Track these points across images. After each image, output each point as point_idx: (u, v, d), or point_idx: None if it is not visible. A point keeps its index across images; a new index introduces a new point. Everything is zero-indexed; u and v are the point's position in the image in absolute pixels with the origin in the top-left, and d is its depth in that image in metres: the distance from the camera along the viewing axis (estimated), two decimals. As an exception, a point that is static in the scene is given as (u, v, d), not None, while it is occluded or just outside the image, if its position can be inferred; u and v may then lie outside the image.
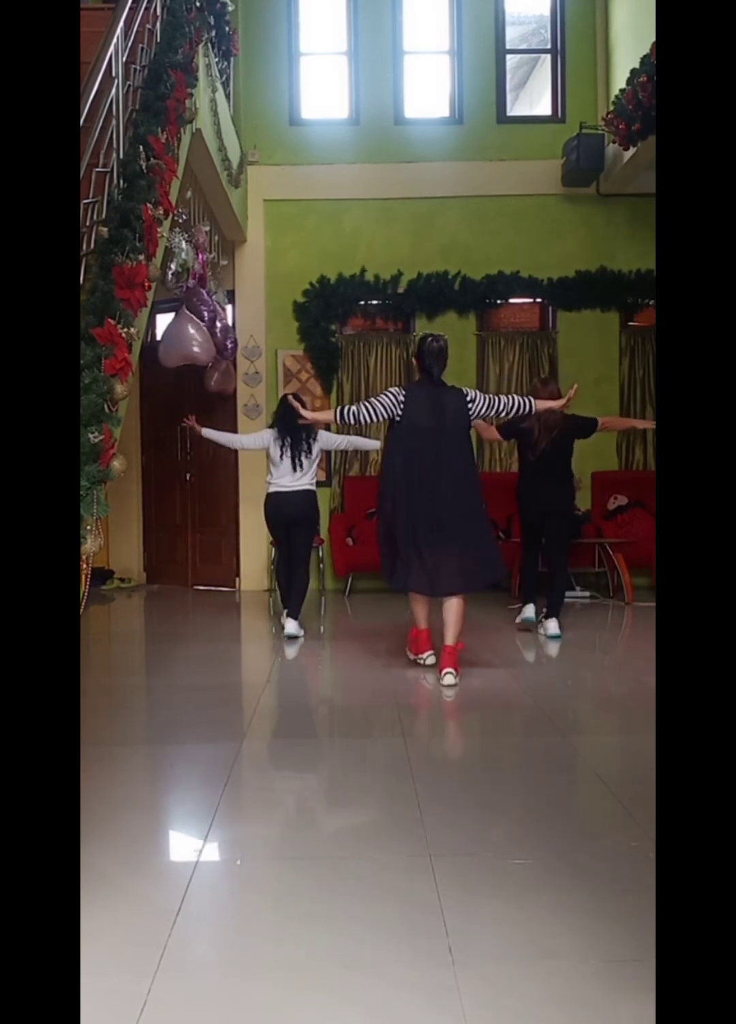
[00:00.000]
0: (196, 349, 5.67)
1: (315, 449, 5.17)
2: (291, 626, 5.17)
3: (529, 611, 5.28)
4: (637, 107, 5.86)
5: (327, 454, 6.98)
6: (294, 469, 5.09)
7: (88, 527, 2.51)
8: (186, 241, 5.28)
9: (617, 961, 1.76)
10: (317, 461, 5.25)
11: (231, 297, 7.16)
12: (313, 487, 5.21)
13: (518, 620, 5.33)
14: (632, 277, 7.29)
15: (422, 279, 7.30)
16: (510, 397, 4.28)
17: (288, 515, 5.16)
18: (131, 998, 1.64)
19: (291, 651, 5.04)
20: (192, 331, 5.65)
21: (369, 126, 7.37)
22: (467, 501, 4.10)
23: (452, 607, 4.08)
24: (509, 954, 1.79)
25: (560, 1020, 1.58)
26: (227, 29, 5.85)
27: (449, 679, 3.99)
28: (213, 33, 5.53)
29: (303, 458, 5.10)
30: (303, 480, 5.14)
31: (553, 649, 5.01)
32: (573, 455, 5.23)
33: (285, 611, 5.28)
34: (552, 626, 5.07)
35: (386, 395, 4.18)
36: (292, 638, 5.16)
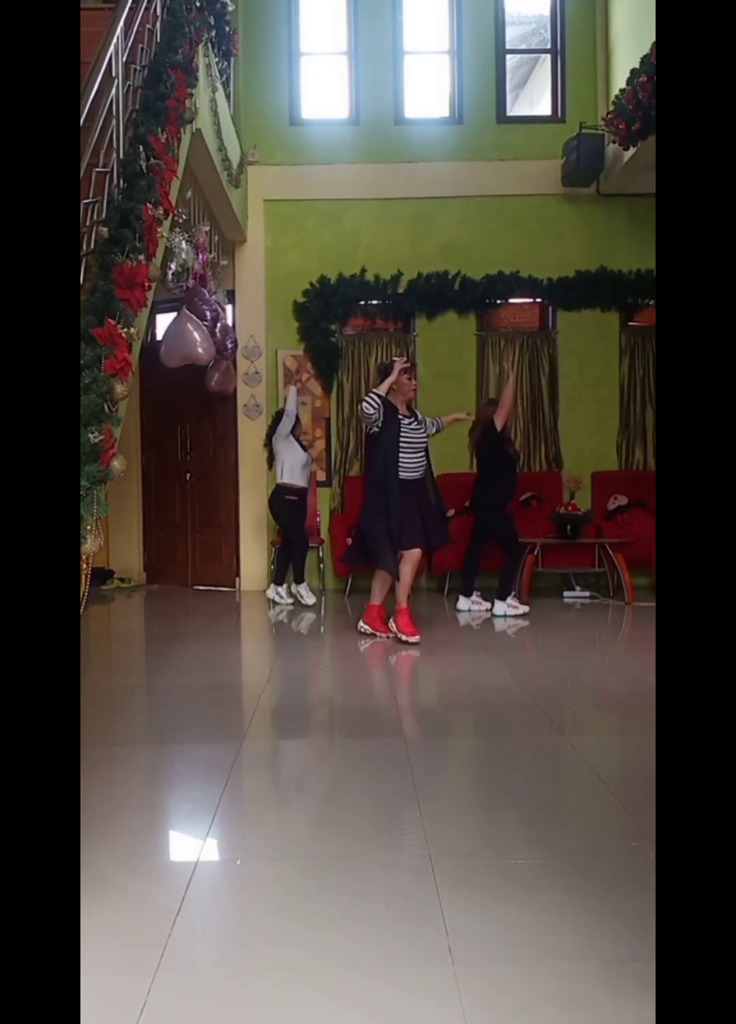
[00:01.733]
0: (199, 350, 5.68)
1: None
2: (303, 589, 6.50)
3: (463, 603, 6.09)
4: (637, 107, 5.85)
5: (328, 455, 7.14)
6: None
7: (88, 527, 2.51)
8: (186, 241, 5.28)
9: (617, 961, 1.76)
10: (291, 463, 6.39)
11: (231, 297, 7.16)
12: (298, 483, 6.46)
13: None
14: (632, 277, 7.29)
15: (422, 279, 7.30)
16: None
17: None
18: (131, 998, 1.64)
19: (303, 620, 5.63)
20: (193, 331, 5.65)
21: (369, 126, 7.37)
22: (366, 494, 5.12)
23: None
24: (509, 954, 1.79)
25: (560, 1020, 1.58)
26: (227, 29, 5.84)
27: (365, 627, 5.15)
28: (213, 33, 5.52)
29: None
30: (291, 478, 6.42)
31: (554, 648, 5.01)
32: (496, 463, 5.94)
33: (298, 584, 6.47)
34: (499, 607, 5.90)
35: None
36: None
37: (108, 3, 4.59)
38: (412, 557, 4.97)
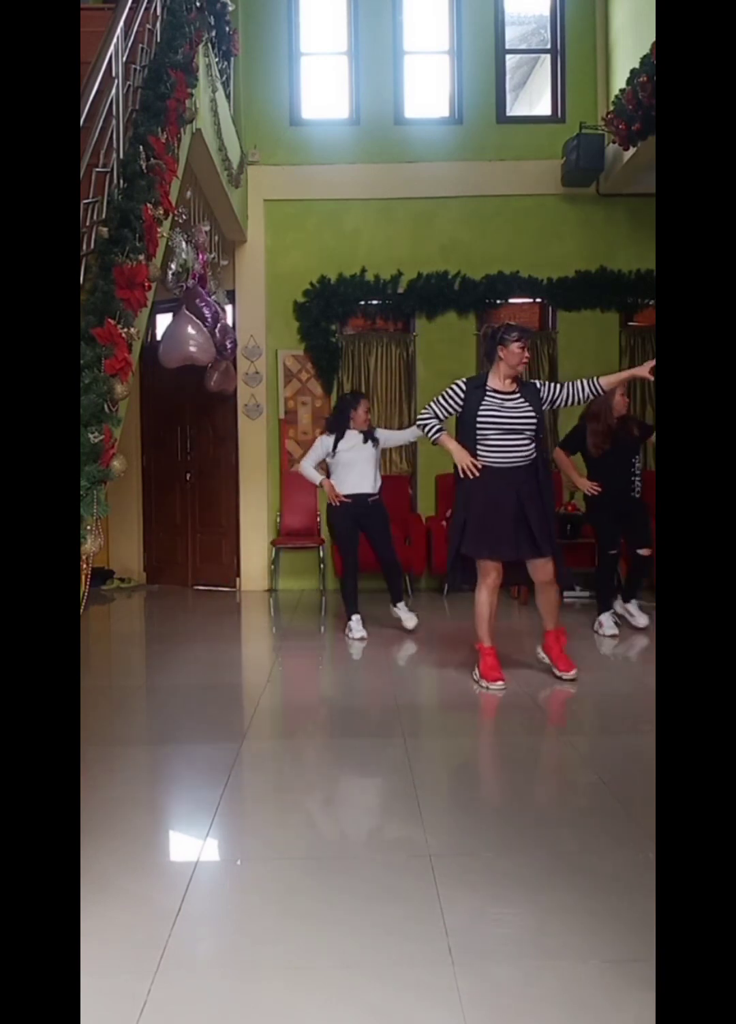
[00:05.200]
0: (192, 349, 5.66)
1: None
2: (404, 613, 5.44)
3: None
4: (637, 107, 5.85)
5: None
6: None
7: (88, 527, 2.51)
8: (186, 241, 5.28)
9: (617, 961, 1.76)
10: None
11: (231, 297, 7.16)
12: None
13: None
14: (632, 277, 7.29)
15: (422, 279, 7.30)
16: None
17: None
18: (131, 998, 1.64)
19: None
20: (191, 331, 5.65)
21: (369, 126, 7.37)
22: None
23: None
24: (509, 954, 1.79)
25: (560, 1020, 1.58)
26: (227, 29, 5.84)
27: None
28: (213, 33, 5.52)
29: None
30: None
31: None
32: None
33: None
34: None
35: None
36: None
37: (108, 3, 4.59)
38: (492, 577, 4.00)
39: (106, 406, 2.86)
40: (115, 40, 3.75)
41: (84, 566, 2.52)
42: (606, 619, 5.33)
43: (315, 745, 3.39)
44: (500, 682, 3.98)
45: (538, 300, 7.47)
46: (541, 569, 4.00)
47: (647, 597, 6.35)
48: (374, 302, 7.38)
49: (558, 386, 4.06)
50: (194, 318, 5.65)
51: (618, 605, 5.49)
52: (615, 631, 5.25)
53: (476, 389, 4.00)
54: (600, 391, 4.07)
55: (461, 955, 1.77)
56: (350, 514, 5.13)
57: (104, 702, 3.89)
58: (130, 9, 4.01)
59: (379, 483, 5.20)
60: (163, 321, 6.73)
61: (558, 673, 4.13)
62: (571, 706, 3.85)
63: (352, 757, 3.14)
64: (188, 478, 7.65)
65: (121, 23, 3.84)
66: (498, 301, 7.42)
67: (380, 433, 5.31)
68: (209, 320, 5.76)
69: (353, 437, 5.17)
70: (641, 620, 5.39)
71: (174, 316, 5.78)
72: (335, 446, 5.15)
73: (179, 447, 7.68)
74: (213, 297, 5.92)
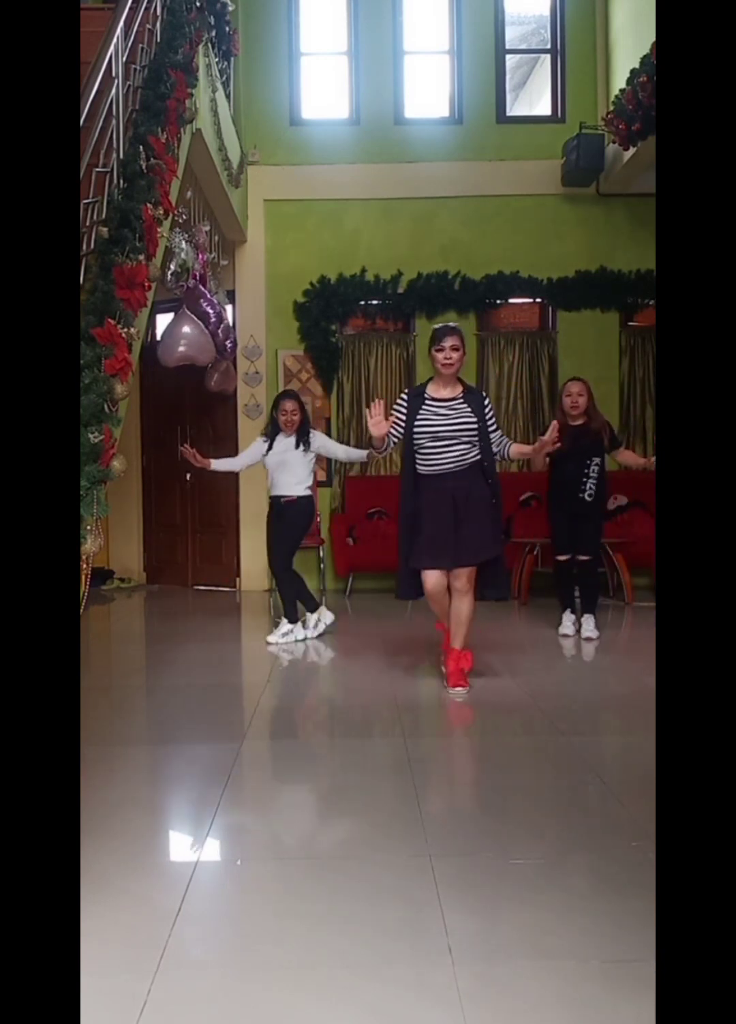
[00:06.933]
0: (182, 348, 5.64)
1: None
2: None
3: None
4: (637, 107, 5.86)
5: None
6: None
7: (88, 527, 2.51)
8: (186, 241, 5.28)
9: (617, 961, 1.76)
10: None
11: (231, 297, 7.17)
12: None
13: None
14: (632, 277, 7.29)
15: (422, 279, 7.30)
16: None
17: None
18: (131, 998, 1.64)
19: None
20: (185, 330, 5.64)
21: (369, 126, 7.37)
22: None
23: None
24: (509, 954, 1.79)
25: (560, 1020, 1.58)
26: (227, 29, 5.85)
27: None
28: (213, 33, 5.53)
29: None
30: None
31: (553, 648, 5.01)
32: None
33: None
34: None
35: None
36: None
37: (108, 3, 4.59)
38: (429, 583, 3.93)
39: (106, 406, 2.86)
40: (115, 40, 3.75)
41: (84, 566, 2.52)
42: (565, 618, 5.32)
43: (315, 745, 3.39)
44: (462, 688, 3.95)
45: (538, 300, 7.48)
46: (456, 577, 3.92)
47: (647, 597, 6.36)
48: (374, 302, 7.39)
49: (494, 424, 3.98)
50: (193, 318, 5.65)
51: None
52: (570, 631, 5.23)
53: (416, 397, 4.00)
54: (506, 456, 4.03)
55: (461, 955, 1.77)
56: (272, 516, 5.21)
57: (104, 702, 3.89)
58: (130, 9, 4.01)
59: (304, 489, 5.11)
60: (163, 321, 6.73)
61: (446, 684, 4.01)
62: (570, 706, 3.84)
63: (352, 757, 3.14)
64: (188, 478, 7.66)
65: (121, 23, 3.84)
66: (498, 301, 7.43)
67: (319, 438, 5.20)
68: (213, 320, 5.76)
69: (283, 440, 5.12)
70: (567, 628, 5.28)
71: (173, 316, 5.78)
72: (270, 449, 5.13)
73: (179, 447, 7.68)
74: (214, 296, 5.92)
